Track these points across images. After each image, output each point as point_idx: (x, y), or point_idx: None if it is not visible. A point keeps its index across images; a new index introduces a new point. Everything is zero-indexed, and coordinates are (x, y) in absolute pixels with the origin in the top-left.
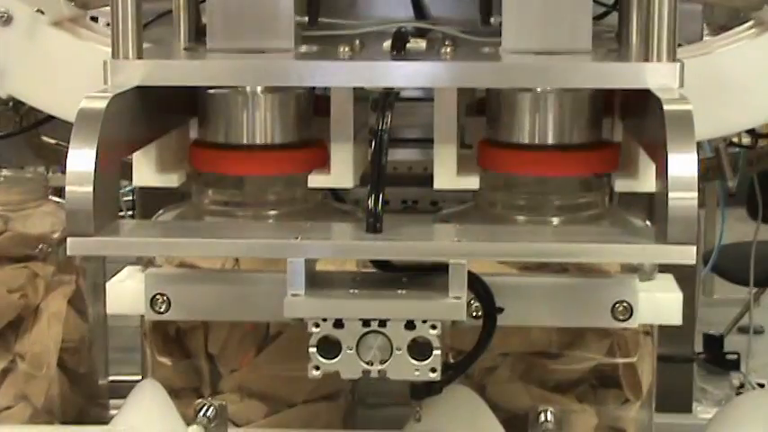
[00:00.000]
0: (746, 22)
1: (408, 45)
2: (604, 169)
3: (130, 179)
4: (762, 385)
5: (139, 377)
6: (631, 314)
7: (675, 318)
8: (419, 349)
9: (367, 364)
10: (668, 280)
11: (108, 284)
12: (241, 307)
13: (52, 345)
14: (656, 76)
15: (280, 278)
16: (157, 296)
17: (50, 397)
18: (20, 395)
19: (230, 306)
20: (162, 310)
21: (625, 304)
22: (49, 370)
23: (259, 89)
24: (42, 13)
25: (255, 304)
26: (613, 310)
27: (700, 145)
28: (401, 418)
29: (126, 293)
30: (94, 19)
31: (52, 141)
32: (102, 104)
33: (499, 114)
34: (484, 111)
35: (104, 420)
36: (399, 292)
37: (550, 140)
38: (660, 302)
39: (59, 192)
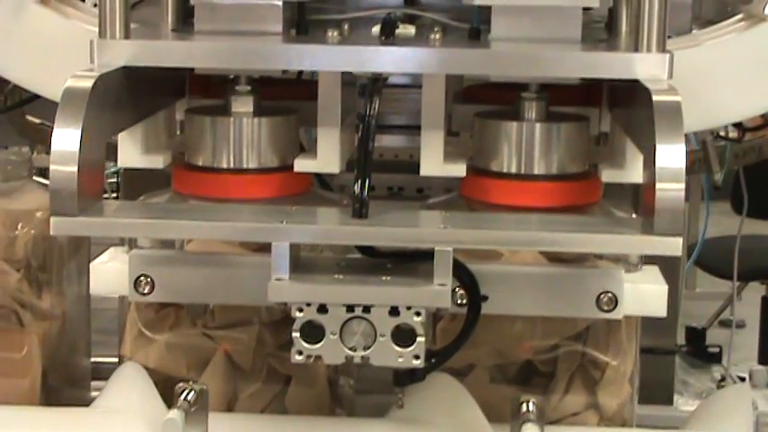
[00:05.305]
0: (734, 16)
1: (397, 31)
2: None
3: (115, 160)
4: (743, 379)
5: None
6: (616, 305)
7: (660, 310)
8: (403, 336)
9: (350, 349)
10: (654, 272)
11: (91, 265)
12: (225, 290)
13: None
14: (645, 66)
15: (264, 261)
16: (141, 277)
17: (32, 378)
18: None
19: (214, 289)
20: (146, 291)
21: (610, 295)
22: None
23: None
24: None
25: (239, 287)
26: (598, 300)
27: (686, 137)
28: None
29: (110, 274)
30: None
31: (37, 121)
32: (88, 84)
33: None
34: (471, 98)
35: (85, 402)
36: (384, 278)
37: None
38: (645, 294)
39: (44, 172)
